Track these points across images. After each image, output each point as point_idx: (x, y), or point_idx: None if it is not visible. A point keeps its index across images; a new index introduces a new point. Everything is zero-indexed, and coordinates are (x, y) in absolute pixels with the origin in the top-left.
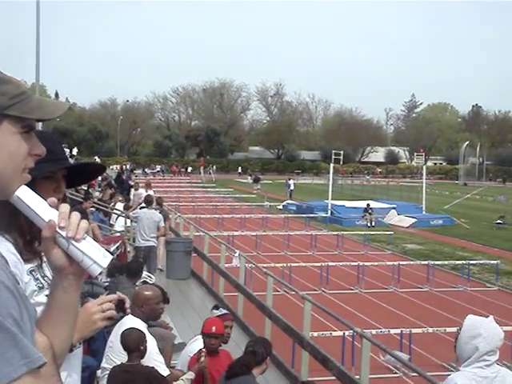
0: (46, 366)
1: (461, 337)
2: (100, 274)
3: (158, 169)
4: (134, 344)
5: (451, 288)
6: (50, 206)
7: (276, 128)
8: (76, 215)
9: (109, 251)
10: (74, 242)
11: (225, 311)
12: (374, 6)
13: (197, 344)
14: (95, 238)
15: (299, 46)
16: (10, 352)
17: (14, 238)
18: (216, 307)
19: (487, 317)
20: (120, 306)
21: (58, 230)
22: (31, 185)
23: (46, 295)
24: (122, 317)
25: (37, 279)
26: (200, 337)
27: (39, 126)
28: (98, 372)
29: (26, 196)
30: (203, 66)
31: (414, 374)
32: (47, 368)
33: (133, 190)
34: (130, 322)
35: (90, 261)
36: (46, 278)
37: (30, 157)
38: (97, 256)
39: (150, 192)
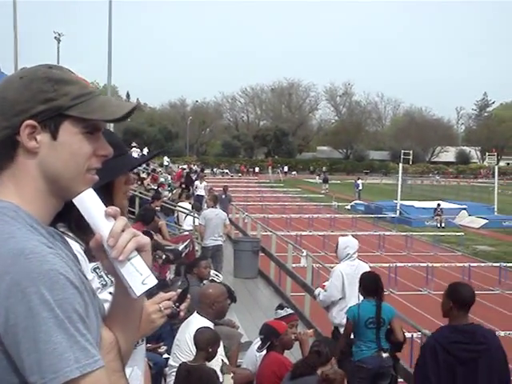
0: (111, 361)
1: (339, 249)
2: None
3: (226, 171)
4: (202, 343)
5: None
6: (108, 216)
7: (344, 128)
8: (128, 233)
9: (177, 249)
10: (116, 262)
11: (290, 311)
12: (444, 4)
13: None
14: (163, 236)
15: (368, 45)
16: (68, 353)
17: (80, 238)
18: (281, 307)
19: (347, 235)
20: (181, 300)
21: (105, 245)
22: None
23: (110, 292)
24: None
25: (100, 277)
26: None
27: (110, 126)
28: (166, 369)
29: (84, 201)
30: (271, 66)
31: None
32: (112, 363)
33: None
34: (197, 320)
35: (127, 284)
36: (109, 276)
37: (96, 157)
38: (134, 282)
39: (204, 183)
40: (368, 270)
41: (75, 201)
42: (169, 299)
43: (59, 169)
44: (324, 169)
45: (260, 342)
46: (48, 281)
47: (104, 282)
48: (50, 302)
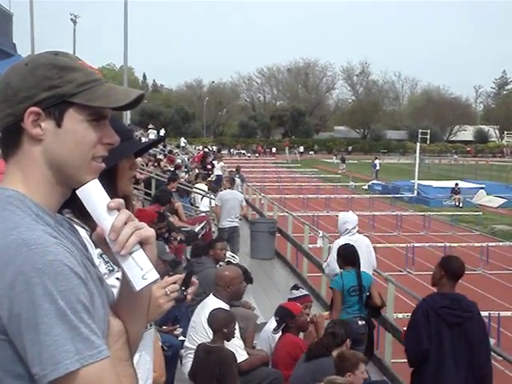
0: (118, 349)
1: (339, 224)
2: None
3: (243, 151)
4: (216, 325)
5: None
6: (111, 209)
7: (361, 107)
8: (129, 227)
9: (193, 231)
10: (118, 256)
11: (305, 292)
12: None
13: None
14: (179, 218)
15: (384, 24)
16: (68, 345)
17: (86, 224)
18: (296, 287)
19: (348, 211)
20: (186, 283)
21: (107, 239)
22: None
23: (117, 278)
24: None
25: (107, 262)
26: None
27: (127, 111)
28: (182, 351)
29: (87, 193)
30: (288, 46)
31: (501, 359)
32: (119, 352)
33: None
34: (212, 302)
35: (127, 278)
36: None
37: (102, 145)
38: (134, 276)
39: (221, 164)
40: (368, 243)
41: (78, 192)
42: (174, 283)
43: (64, 156)
44: (350, 148)
45: (275, 324)
46: (51, 272)
47: (111, 268)
48: (53, 293)
